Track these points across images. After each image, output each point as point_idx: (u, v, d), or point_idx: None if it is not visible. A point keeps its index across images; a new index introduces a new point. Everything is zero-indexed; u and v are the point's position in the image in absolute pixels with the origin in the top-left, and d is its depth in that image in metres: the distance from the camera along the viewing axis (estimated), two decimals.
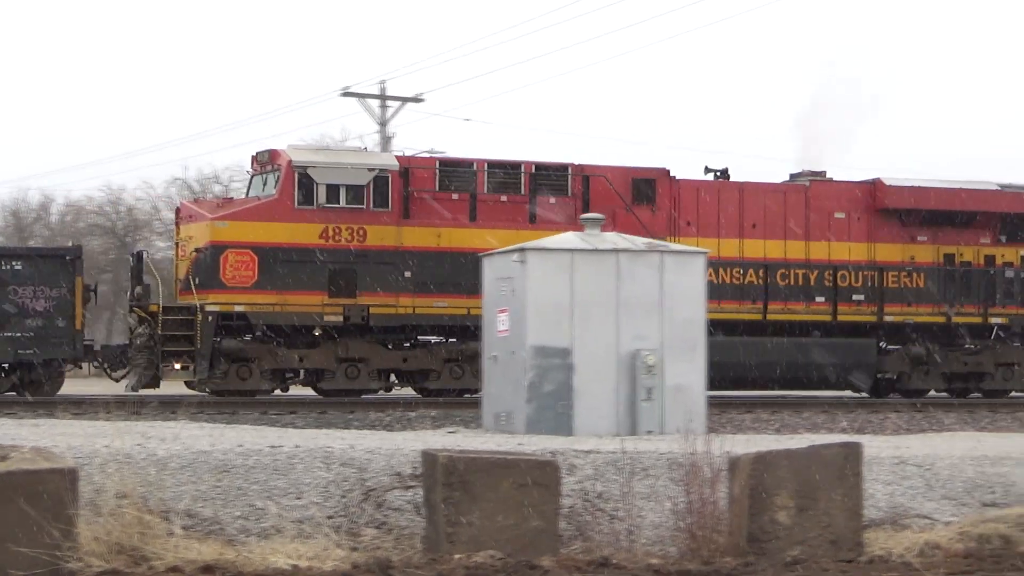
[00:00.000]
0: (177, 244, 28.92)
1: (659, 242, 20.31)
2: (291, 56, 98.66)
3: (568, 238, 19.66)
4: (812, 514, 11.42)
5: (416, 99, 49.97)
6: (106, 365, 28.19)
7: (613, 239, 19.37)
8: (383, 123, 50.11)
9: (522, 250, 18.99)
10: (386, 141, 50.08)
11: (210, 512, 11.79)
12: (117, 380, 28.24)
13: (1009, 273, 32.22)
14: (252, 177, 29.07)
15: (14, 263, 27.16)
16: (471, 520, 10.95)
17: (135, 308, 27.38)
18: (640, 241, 19.73)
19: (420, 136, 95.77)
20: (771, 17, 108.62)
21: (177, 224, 29.25)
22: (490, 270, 19.93)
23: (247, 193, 29.30)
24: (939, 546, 11.58)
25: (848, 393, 31.87)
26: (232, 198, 29.72)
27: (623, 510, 12.24)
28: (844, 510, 11.49)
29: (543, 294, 18.45)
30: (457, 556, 10.82)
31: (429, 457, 11.55)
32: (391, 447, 13.86)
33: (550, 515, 11.27)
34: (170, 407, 22.77)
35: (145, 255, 29.15)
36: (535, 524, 11.11)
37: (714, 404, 25.05)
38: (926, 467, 14.61)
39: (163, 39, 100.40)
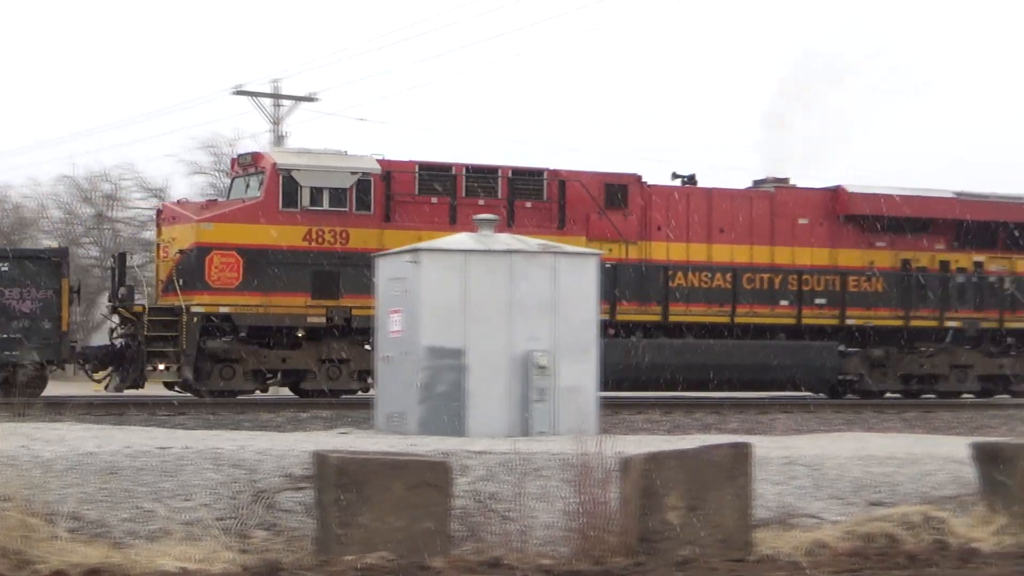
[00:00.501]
0: (159, 245, 28.89)
1: (552, 243, 20.35)
2: (182, 53, 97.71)
3: (461, 239, 19.65)
4: (702, 514, 11.49)
5: (310, 98, 49.77)
6: (87, 366, 28.26)
7: (507, 240, 19.39)
8: (276, 122, 49.80)
9: (415, 251, 18.95)
10: (279, 140, 49.78)
11: (96, 515, 11.60)
12: (98, 381, 28.34)
13: (962, 278, 33.08)
14: (233, 179, 29.18)
15: (0, 264, 27.24)
16: (362, 521, 10.89)
17: (120, 309, 27.59)
18: (533, 242, 19.77)
19: (314, 136, 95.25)
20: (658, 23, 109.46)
21: (158, 225, 29.19)
22: (383, 270, 19.85)
23: (228, 195, 29.34)
24: (826, 545, 11.71)
25: (808, 393, 32.71)
26: (216, 200, 29.87)
27: (515, 511, 12.24)
28: (734, 510, 11.57)
29: (436, 295, 18.42)
30: (348, 558, 10.75)
31: (320, 458, 11.47)
32: (282, 448, 13.74)
33: (442, 516, 11.24)
34: (56, 408, 22.42)
35: (128, 257, 29.30)
36: (427, 525, 11.07)
37: (607, 405, 25.19)
38: (814, 467, 14.78)
39: (50, 34, 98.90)
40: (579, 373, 18.74)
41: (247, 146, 28.22)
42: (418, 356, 18.28)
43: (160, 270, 28.48)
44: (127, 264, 28.97)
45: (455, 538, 11.61)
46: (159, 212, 29.84)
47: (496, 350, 18.42)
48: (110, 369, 27.76)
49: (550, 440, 16.50)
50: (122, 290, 27.82)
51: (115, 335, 28.07)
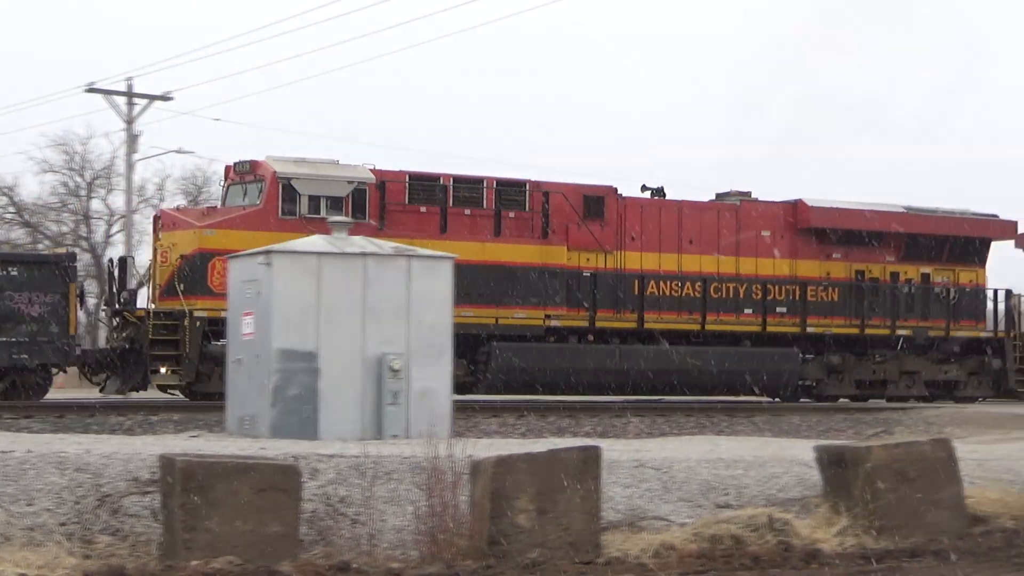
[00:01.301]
0: (156, 250, 29.01)
1: (406, 247, 20.33)
2: (34, 49, 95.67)
3: (315, 241, 19.53)
4: (552, 517, 11.55)
5: (164, 97, 49.01)
6: (87, 369, 28.40)
7: (361, 243, 19.32)
8: (130, 121, 49.00)
9: (268, 252, 18.78)
10: (132, 140, 49.01)
11: None
12: (97, 384, 28.47)
13: (911, 289, 34.63)
14: (229, 186, 29.43)
15: (10, 269, 27.48)
16: (209, 526, 10.76)
17: (125, 313, 28.08)
18: (387, 245, 19.72)
19: (169, 135, 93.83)
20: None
21: (156, 231, 29.33)
22: (235, 272, 19.65)
23: (223, 202, 29.54)
24: (674, 547, 11.84)
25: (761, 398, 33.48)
26: (215, 207, 29.89)
27: (365, 514, 12.20)
28: (583, 513, 11.65)
29: (289, 297, 18.28)
30: (194, 563, 10.62)
31: (167, 462, 11.31)
32: (129, 452, 13.53)
33: (290, 520, 11.15)
34: None
35: (130, 260, 29.80)
36: (275, 529, 10.98)
37: (461, 408, 25.23)
38: (664, 470, 14.93)
39: None
40: (433, 376, 18.72)
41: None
42: (270, 359, 18.11)
43: (159, 275, 28.63)
44: (128, 268, 29.44)
45: (304, 542, 11.54)
46: (157, 218, 29.95)
47: (349, 353, 18.33)
48: (107, 373, 28.12)
49: (403, 443, 16.46)
50: (124, 294, 28.56)
51: (114, 339, 28.31)
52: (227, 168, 29.73)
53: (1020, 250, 37.32)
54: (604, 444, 17.80)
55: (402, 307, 18.65)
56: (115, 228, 58.50)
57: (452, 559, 11.32)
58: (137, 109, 48.94)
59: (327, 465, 13.49)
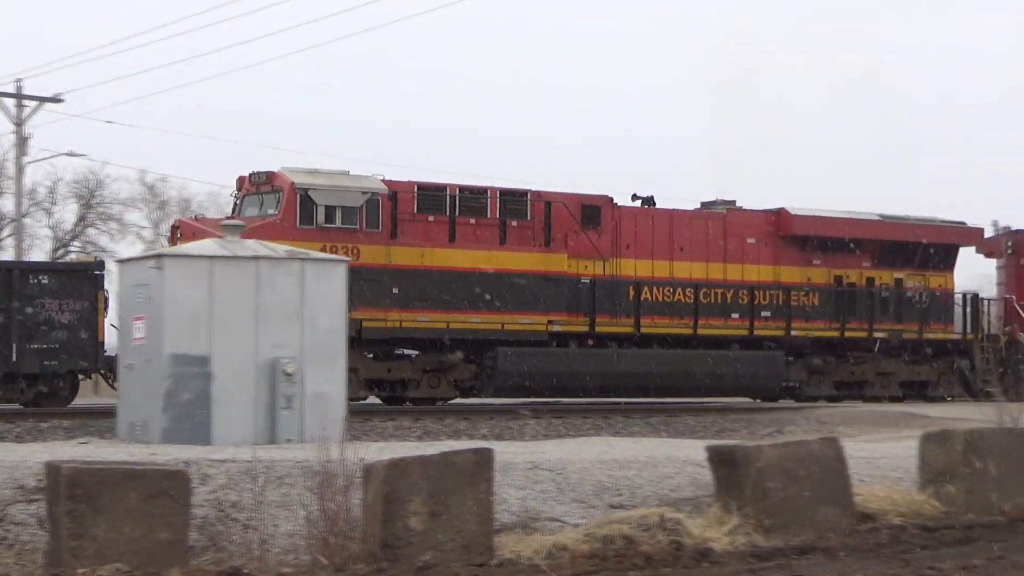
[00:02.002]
0: None
1: (300, 250, 20.21)
2: None
3: (207, 245, 19.37)
4: (445, 519, 11.53)
5: (55, 99, 48.33)
6: (111, 375, 28.43)
7: (254, 247, 19.17)
8: (19, 123, 48.24)
9: (159, 256, 18.59)
10: (22, 142, 48.26)
11: None
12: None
13: (886, 293, 36.11)
14: (244, 196, 29.94)
15: (41, 277, 28.23)
16: (96, 533, 10.61)
17: None
18: (280, 248, 19.59)
19: (60, 138, 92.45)
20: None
21: (174, 240, 29.52)
22: (126, 276, 19.41)
23: (238, 212, 29.87)
24: (566, 548, 11.86)
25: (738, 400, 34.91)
26: (242, 217, 29.81)
27: (257, 519, 12.10)
28: (476, 515, 11.64)
29: (181, 301, 18.08)
30: (81, 571, 10.46)
31: (53, 469, 11.14)
32: (16, 459, 13.33)
33: (179, 526, 11.03)
34: None
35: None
36: (164, 536, 10.86)
37: (358, 412, 25.17)
38: (558, 471, 14.98)
39: None
40: (327, 380, 18.63)
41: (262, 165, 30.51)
42: (162, 364, 17.91)
43: None
44: None
45: (194, 548, 11.42)
46: (175, 227, 30.17)
47: (243, 357, 18.18)
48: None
49: (296, 448, 16.37)
50: None
51: None
52: (241, 179, 30.15)
53: (981, 255, 39.17)
54: (499, 446, 17.87)
55: (296, 311, 18.53)
56: (6, 232, 57.60)
57: (344, 563, 11.27)
58: (27, 111, 48.21)
59: (218, 470, 13.38)
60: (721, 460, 13.35)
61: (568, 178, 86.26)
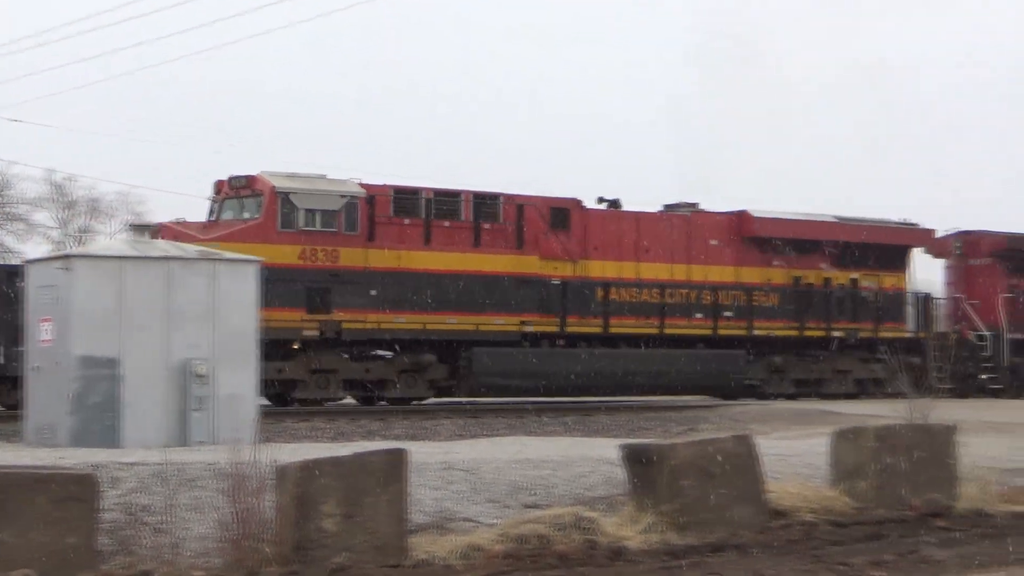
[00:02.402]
0: None
1: (211, 250, 20.03)
2: None
3: (117, 245, 19.19)
4: (358, 521, 11.45)
5: None
6: None
7: (164, 247, 18.99)
8: None
9: (67, 257, 18.35)
10: None
11: None
12: None
13: (842, 293, 37.36)
14: (223, 200, 30.26)
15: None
16: (3, 539, 10.41)
17: None
18: (192, 249, 19.43)
19: None
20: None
21: None
22: (33, 278, 19.12)
23: (216, 216, 30.23)
24: (481, 548, 11.82)
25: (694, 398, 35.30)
26: (214, 221, 30.22)
27: (168, 523, 11.95)
28: (390, 516, 11.57)
29: (90, 302, 17.87)
30: None
31: None
32: None
33: (88, 530, 10.86)
34: None
35: None
36: (73, 540, 10.68)
37: (271, 414, 25.02)
38: (472, 471, 14.96)
39: None
40: (239, 382, 18.50)
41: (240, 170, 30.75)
42: (70, 366, 17.69)
43: None
44: None
45: (104, 553, 11.25)
46: (158, 231, 29.83)
47: (153, 359, 18.01)
48: None
49: (208, 450, 16.22)
50: None
51: None
52: (219, 183, 30.37)
53: (930, 256, 40.49)
54: (414, 447, 17.79)
55: (208, 311, 18.39)
56: None
57: (257, 566, 11.15)
58: None
59: (128, 473, 13.21)
60: (635, 459, 13.37)
61: (533, 179, 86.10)
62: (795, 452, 17.96)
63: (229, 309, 18.50)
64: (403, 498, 11.73)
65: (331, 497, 11.39)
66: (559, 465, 15.71)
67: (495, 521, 12.95)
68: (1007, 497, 15.26)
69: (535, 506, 13.63)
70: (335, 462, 11.74)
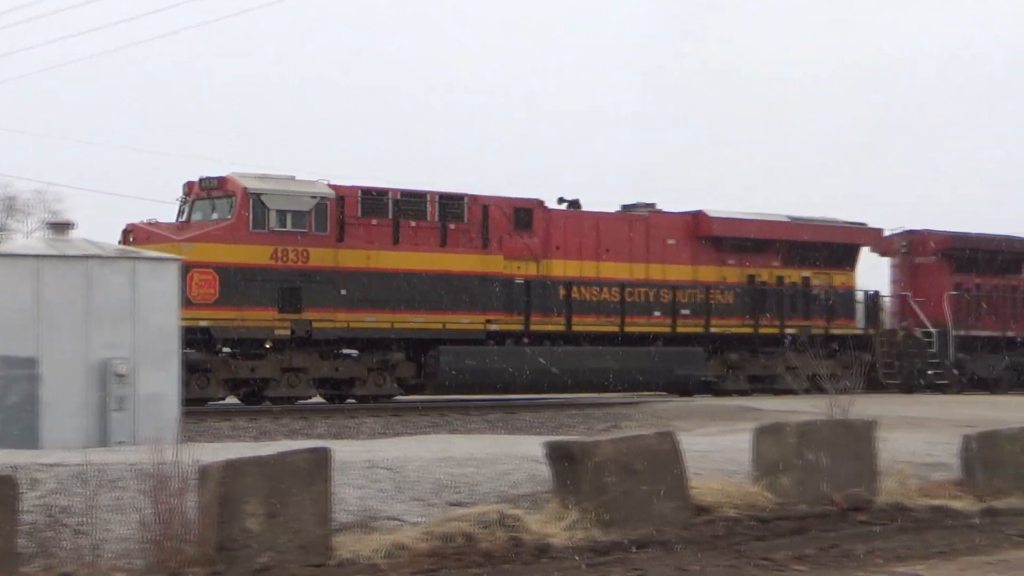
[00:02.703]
0: None
1: (131, 249, 19.85)
2: None
3: (33, 243, 18.94)
4: (282, 520, 11.39)
5: None
6: None
7: (83, 245, 18.75)
8: None
9: None
10: None
11: None
12: None
13: (794, 291, 38.13)
14: (194, 201, 30.35)
15: None
16: None
17: None
18: (111, 247, 19.23)
19: None
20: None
21: (126, 243, 29.29)
22: None
23: (187, 216, 30.32)
24: (406, 546, 11.80)
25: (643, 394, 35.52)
26: (185, 222, 30.35)
27: (88, 524, 11.83)
28: (313, 515, 11.53)
29: (7, 302, 17.63)
30: None
31: None
32: None
33: (7, 533, 10.73)
34: None
35: None
36: None
37: (192, 413, 24.78)
38: (396, 470, 14.93)
39: None
40: (160, 381, 18.31)
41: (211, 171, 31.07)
42: None
43: None
44: None
45: (24, 555, 11.12)
46: (128, 231, 30.19)
47: (73, 359, 17.80)
48: None
49: (129, 450, 16.06)
50: None
51: None
52: (190, 184, 30.51)
53: (876, 254, 41.58)
54: (337, 445, 17.71)
55: (128, 310, 18.19)
56: None
57: (179, 567, 11.07)
58: None
59: (48, 475, 13.06)
60: (559, 456, 13.40)
61: (490, 178, 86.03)
62: (717, 448, 18.08)
63: (150, 308, 18.32)
64: (327, 497, 11.69)
65: (254, 497, 11.33)
66: (483, 463, 15.71)
67: (420, 519, 12.94)
68: (925, 491, 15.47)
69: (460, 504, 13.63)
70: (258, 461, 11.68)
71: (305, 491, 11.51)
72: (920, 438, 20.91)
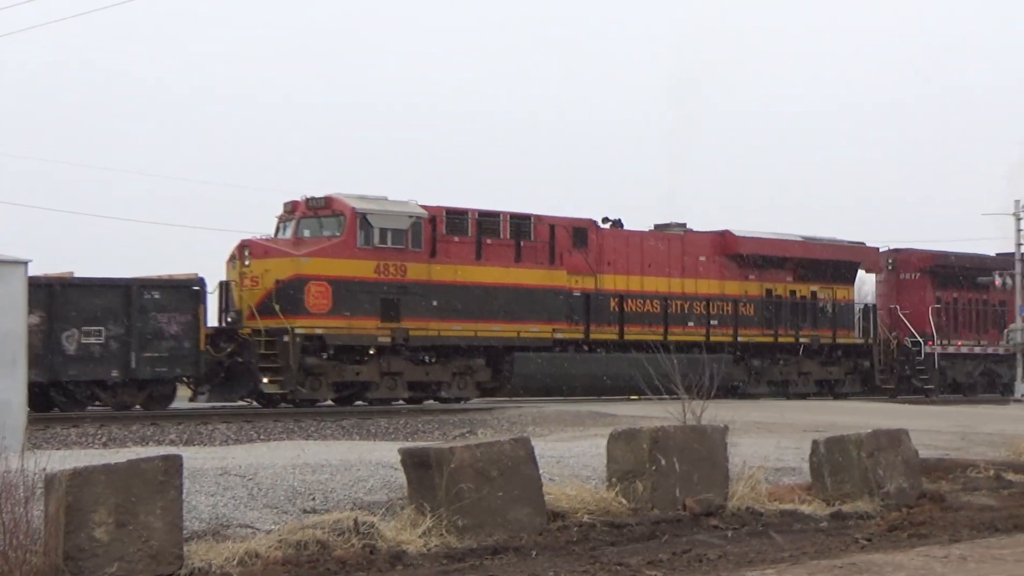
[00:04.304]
0: (242, 275, 32.83)
1: None
2: None
3: None
4: (132, 529, 11.16)
5: None
6: (191, 380, 31.71)
7: None
8: None
9: None
10: None
11: None
12: (198, 393, 32.12)
13: (806, 304, 42.44)
14: (299, 219, 33.54)
15: (154, 293, 30.60)
16: None
17: (237, 331, 31.97)
18: None
19: None
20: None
21: (242, 257, 32.96)
22: None
23: (293, 233, 33.49)
24: (259, 554, 11.65)
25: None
26: (301, 238, 33.53)
27: None
28: (164, 523, 11.31)
29: None
30: None
31: None
32: None
33: None
34: None
35: (232, 284, 32.94)
36: None
37: (38, 420, 24.29)
38: (249, 477, 14.76)
39: None
40: (6, 387, 17.90)
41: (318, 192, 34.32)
42: None
43: (247, 297, 32.47)
44: (231, 291, 32.83)
45: None
46: (243, 247, 33.19)
47: None
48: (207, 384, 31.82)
49: None
50: (232, 314, 32.37)
51: (214, 354, 31.39)
52: (294, 203, 33.86)
53: (863, 270, 46.35)
54: (189, 452, 17.51)
55: None
56: None
57: None
58: None
59: None
60: (414, 462, 13.35)
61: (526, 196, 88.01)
62: (572, 454, 18.17)
63: None
64: (179, 505, 11.48)
65: (103, 505, 11.09)
66: (338, 469, 15.60)
67: (273, 527, 12.79)
68: (775, 495, 15.69)
69: (314, 511, 13.51)
70: (107, 469, 11.42)
71: (156, 499, 11.29)
72: (771, 443, 21.27)
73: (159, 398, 30.90)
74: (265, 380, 31.72)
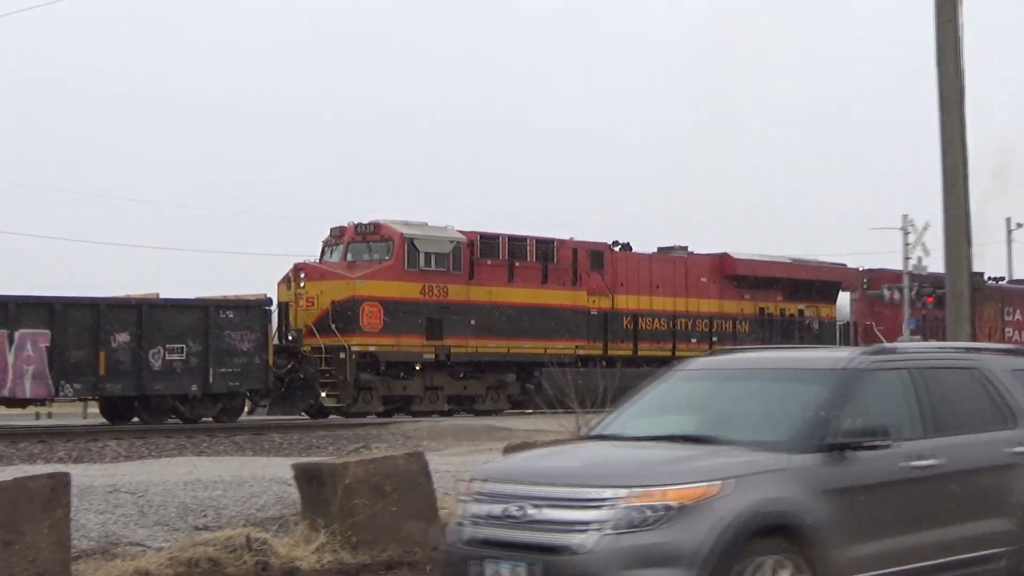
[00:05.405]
0: (298, 296, 35.09)
1: None
2: None
3: None
4: (18, 548, 10.96)
5: None
6: (257, 394, 33.84)
7: None
8: None
9: None
10: None
11: None
12: (260, 407, 34.16)
13: (794, 321, 44.91)
14: (348, 243, 36.10)
15: (228, 312, 32.69)
16: None
17: (299, 350, 34.15)
18: None
19: None
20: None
21: (297, 279, 35.30)
22: None
23: (343, 256, 36.09)
24: (149, 573, 11.51)
25: None
26: (355, 262, 35.86)
27: None
28: (52, 542, 11.11)
29: None
30: None
31: None
32: None
33: None
34: None
35: (291, 305, 34.92)
36: None
37: None
38: (140, 494, 14.57)
39: None
40: None
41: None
42: None
43: (303, 316, 34.82)
44: (291, 310, 34.91)
45: None
46: (299, 269, 35.59)
47: None
48: (270, 399, 33.85)
49: None
50: (293, 333, 34.44)
51: (274, 370, 33.45)
52: (342, 229, 36.43)
53: (843, 291, 49.18)
54: (78, 469, 17.25)
55: None
56: None
57: None
58: None
59: None
60: (308, 478, 13.25)
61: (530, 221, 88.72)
62: (467, 468, 18.12)
63: None
64: (67, 523, 11.29)
65: None
66: (230, 486, 15.45)
67: (164, 545, 12.65)
68: None
69: (206, 528, 13.38)
70: None
71: (43, 518, 11.10)
72: None
73: (230, 411, 33.06)
74: (323, 394, 34.05)
